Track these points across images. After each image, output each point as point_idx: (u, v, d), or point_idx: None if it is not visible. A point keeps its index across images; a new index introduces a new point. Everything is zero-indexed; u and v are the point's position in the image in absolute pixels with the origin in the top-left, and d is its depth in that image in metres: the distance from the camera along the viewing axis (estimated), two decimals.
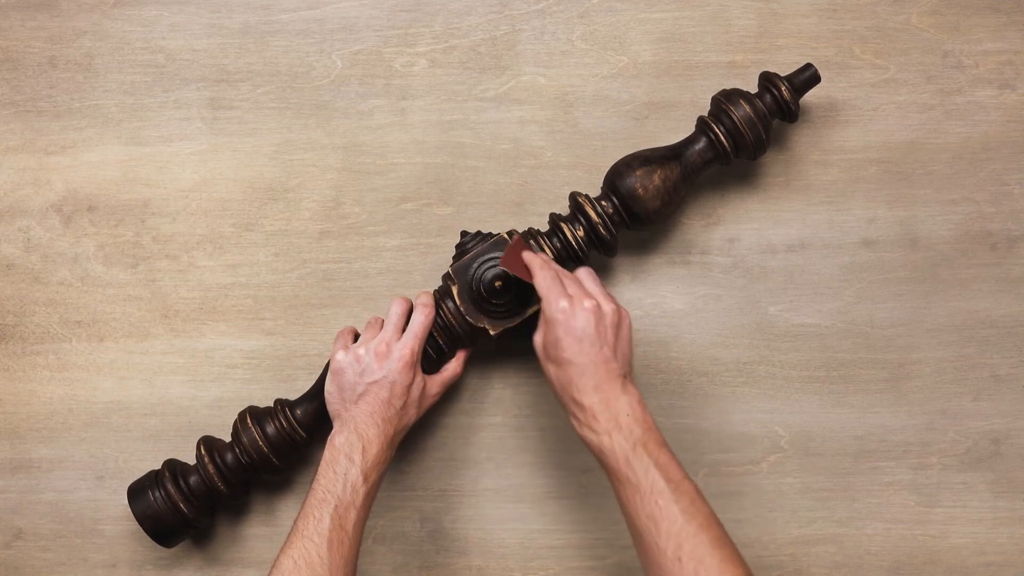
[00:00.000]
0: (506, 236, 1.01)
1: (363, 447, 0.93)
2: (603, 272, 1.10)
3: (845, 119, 1.11)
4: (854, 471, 1.08)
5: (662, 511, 0.83)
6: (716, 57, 1.11)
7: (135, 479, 1.05)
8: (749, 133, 1.00)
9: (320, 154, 1.12)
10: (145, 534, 1.02)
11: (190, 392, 1.11)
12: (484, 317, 1.01)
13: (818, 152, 1.11)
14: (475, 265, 1.00)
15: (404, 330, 1.00)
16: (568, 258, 1.03)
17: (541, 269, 0.93)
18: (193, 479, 1.01)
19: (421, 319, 1.00)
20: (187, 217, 1.12)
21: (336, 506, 0.90)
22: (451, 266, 1.01)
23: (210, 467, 1.01)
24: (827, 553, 1.08)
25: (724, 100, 1.01)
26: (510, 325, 1.01)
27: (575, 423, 0.89)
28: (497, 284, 0.99)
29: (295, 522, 0.90)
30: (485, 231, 1.03)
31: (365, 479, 0.92)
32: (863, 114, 1.11)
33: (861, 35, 1.11)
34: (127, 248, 1.12)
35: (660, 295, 1.10)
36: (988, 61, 1.11)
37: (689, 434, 1.09)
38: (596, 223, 1.01)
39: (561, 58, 1.12)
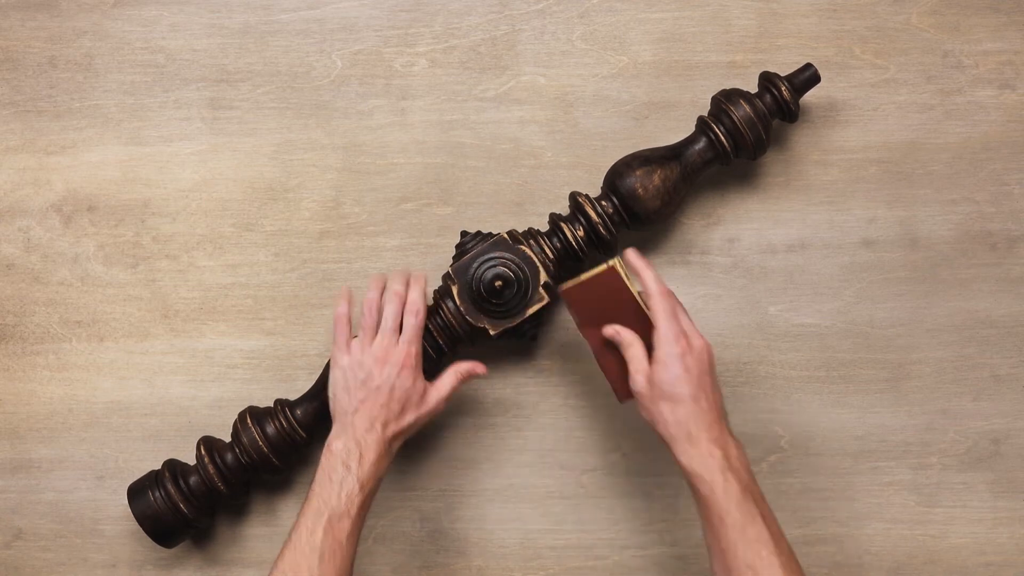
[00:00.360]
0: (505, 236, 1.01)
1: (360, 454, 0.93)
2: None
3: (845, 119, 1.11)
4: (854, 471, 1.08)
5: (763, 562, 0.83)
6: (716, 57, 1.11)
7: (135, 479, 1.05)
8: (749, 133, 1.00)
9: (320, 154, 1.12)
10: (145, 534, 1.02)
11: (190, 392, 1.11)
12: (484, 317, 1.01)
13: (818, 152, 1.11)
14: (475, 265, 1.00)
15: (400, 329, 0.99)
16: (568, 258, 1.03)
17: (664, 298, 0.92)
18: (193, 479, 1.01)
19: (415, 322, 0.98)
20: (187, 217, 1.12)
21: (330, 517, 0.89)
22: (451, 266, 1.01)
23: (210, 467, 1.01)
24: (827, 553, 1.08)
25: (724, 100, 1.01)
26: (510, 325, 1.01)
27: (684, 458, 0.88)
28: (497, 284, 0.99)
29: (289, 532, 0.90)
30: (485, 231, 1.03)
31: (361, 488, 0.92)
32: (863, 114, 1.11)
33: (861, 35, 1.11)
34: (127, 248, 1.12)
35: None
36: (988, 61, 1.11)
37: None
38: (596, 223, 1.01)
39: (561, 58, 1.12)
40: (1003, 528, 1.08)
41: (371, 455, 0.93)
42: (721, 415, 0.90)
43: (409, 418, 0.97)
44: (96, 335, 1.11)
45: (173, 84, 1.13)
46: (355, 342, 0.99)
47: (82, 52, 1.14)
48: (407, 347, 0.97)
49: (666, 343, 0.90)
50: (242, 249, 1.12)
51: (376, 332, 0.99)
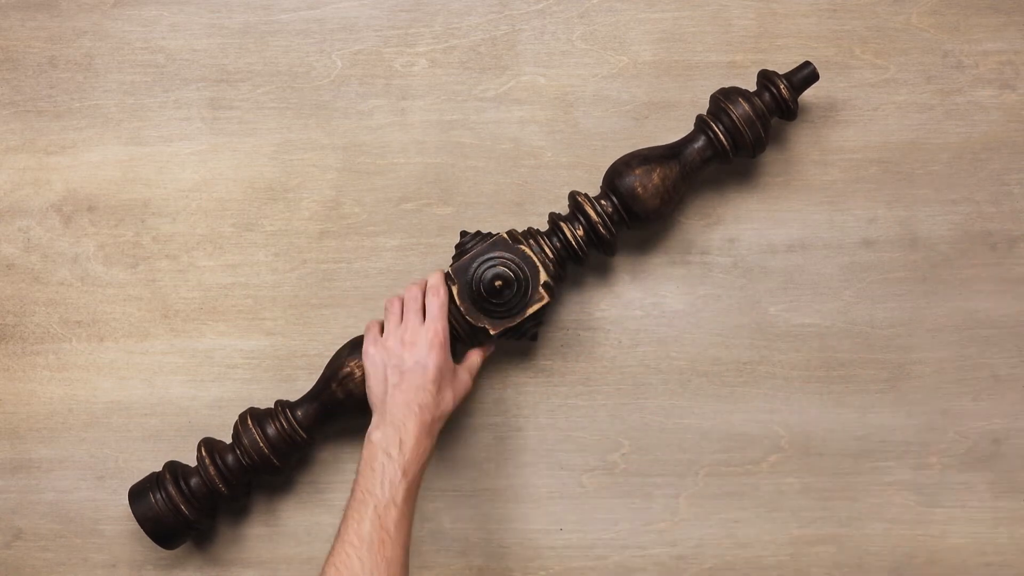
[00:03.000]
0: (505, 236, 1.01)
1: (400, 439, 0.92)
2: (603, 272, 1.10)
3: (845, 119, 1.11)
4: (854, 471, 1.08)
5: None
6: (716, 57, 1.11)
7: (135, 480, 1.05)
8: (748, 131, 1.00)
9: (320, 154, 1.12)
10: (146, 535, 1.02)
11: (190, 392, 1.11)
12: (484, 317, 1.01)
13: (818, 152, 1.11)
14: (475, 265, 1.00)
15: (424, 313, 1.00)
16: (568, 258, 1.03)
17: None
18: (194, 481, 1.01)
19: (437, 301, 0.99)
20: (187, 217, 1.12)
21: (375, 506, 0.89)
22: (451, 266, 1.01)
23: (211, 468, 1.01)
24: (827, 553, 1.08)
25: (723, 98, 1.01)
26: (510, 325, 1.01)
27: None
28: (497, 284, 0.99)
29: (338, 527, 0.90)
30: (485, 231, 1.03)
31: (404, 473, 0.91)
32: (863, 114, 1.11)
33: (861, 35, 1.11)
34: (127, 248, 1.12)
35: (660, 295, 1.10)
36: (988, 61, 1.11)
37: (689, 434, 1.09)
38: (596, 222, 1.01)
39: (561, 58, 1.12)
40: (1003, 528, 1.08)
41: (411, 440, 0.93)
42: None
43: (446, 397, 0.97)
44: (96, 335, 1.11)
45: (173, 84, 1.13)
46: (384, 335, 0.99)
47: (82, 52, 1.14)
48: (434, 325, 0.97)
49: None
50: (242, 249, 1.12)
51: (401, 318, 0.99)
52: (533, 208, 1.11)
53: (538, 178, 1.11)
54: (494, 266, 1.00)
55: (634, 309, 1.10)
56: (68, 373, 1.11)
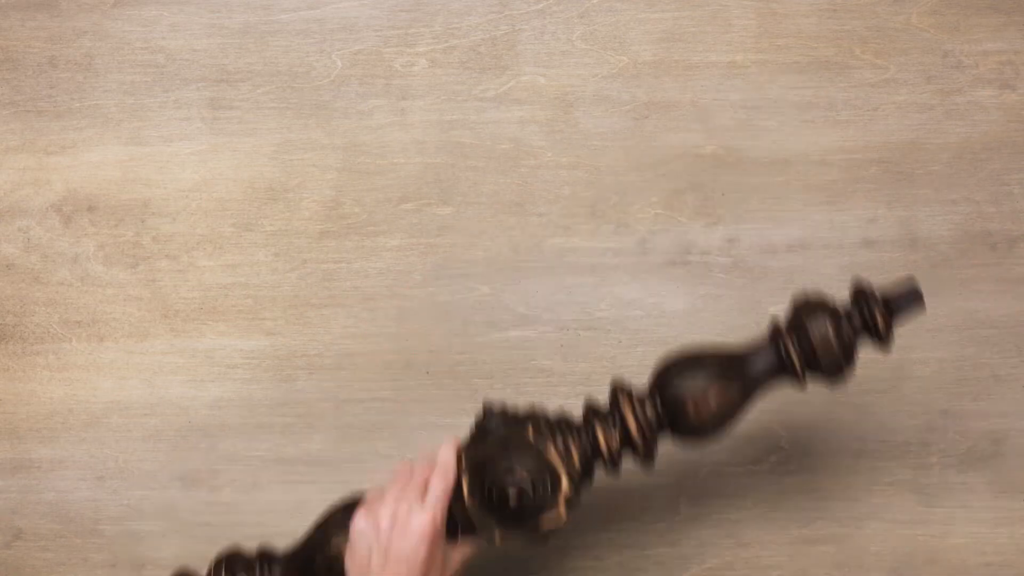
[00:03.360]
0: (531, 435, 0.89)
1: None
2: (604, 272, 1.10)
3: (845, 119, 1.11)
4: (854, 471, 1.08)
5: None
6: (716, 57, 1.11)
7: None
8: (824, 357, 0.86)
9: (320, 154, 1.12)
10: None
11: (190, 392, 1.11)
12: (493, 520, 0.89)
13: (818, 152, 1.11)
14: (493, 467, 0.89)
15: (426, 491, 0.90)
16: (597, 455, 0.91)
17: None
18: None
19: (442, 486, 0.89)
20: (187, 217, 1.12)
21: None
22: (466, 451, 0.90)
23: None
24: (827, 553, 1.08)
25: (804, 311, 0.87)
26: (519, 538, 0.90)
27: None
28: (514, 500, 0.88)
29: None
30: (511, 408, 0.93)
31: None
32: (863, 114, 1.11)
33: (861, 35, 1.11)
34: (127, 248, 1.12)
35: (660, 295, 1.10)
36: (988, 61, 1.11)
37: None
38: (634, 434, 0.88)
39: (561, 58, 1.12)
40: (1003, 528, 1.08)
41: None
42: None
43: None
44: (96, 335, 1.12)
45: (173, 84, 1.13)
46: (379, 503, 0.90)
47: (82, 52, 1.14)
48: (432, 512, 0.88)
49: None
50: (242, 249, 1.12)
51: (404, 488, 0.90)
52: (533, 208, 1.11)
53: (538, 178, 1.11)
54: (514, 475, 0.89)
55: (634, 309, 1.10)
56: (68, 373, 1.11)
